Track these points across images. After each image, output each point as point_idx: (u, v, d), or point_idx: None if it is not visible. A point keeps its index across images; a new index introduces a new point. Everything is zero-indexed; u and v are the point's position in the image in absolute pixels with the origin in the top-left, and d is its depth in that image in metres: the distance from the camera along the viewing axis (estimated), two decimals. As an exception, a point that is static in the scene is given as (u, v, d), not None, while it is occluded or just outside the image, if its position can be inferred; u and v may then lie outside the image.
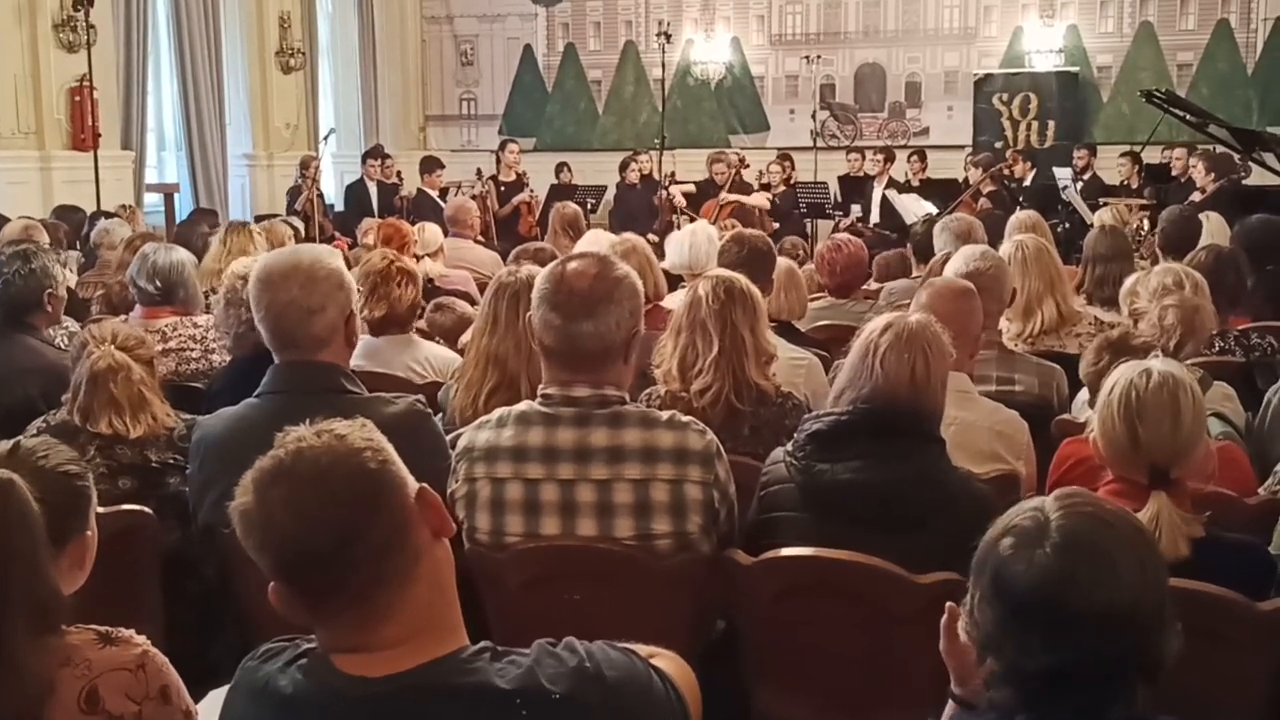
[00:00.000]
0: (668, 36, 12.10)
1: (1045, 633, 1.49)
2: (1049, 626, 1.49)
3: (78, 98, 10.18)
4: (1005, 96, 13.05)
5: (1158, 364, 2.40)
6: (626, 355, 2.49)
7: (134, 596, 2.81)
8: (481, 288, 5.22)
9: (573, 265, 2.48)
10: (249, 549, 1.54)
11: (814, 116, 13.68)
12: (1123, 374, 2.38)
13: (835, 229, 11.97)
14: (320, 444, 1.54)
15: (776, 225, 11.65)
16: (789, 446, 2.60)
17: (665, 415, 2.51)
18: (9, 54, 9.86)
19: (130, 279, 4.56)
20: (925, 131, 13.89)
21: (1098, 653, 1.49)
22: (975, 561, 1.58)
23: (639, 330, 2.51)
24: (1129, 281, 3.87)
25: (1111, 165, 11.58)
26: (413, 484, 1.58)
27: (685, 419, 2.52)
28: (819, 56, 13.83)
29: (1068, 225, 10.21)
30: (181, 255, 4.57)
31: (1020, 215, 6.17)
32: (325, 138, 12.16)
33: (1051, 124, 12.92)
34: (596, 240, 5.88)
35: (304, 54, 13.24)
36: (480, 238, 8.91)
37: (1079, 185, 10.73)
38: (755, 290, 3.30)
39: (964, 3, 13.73)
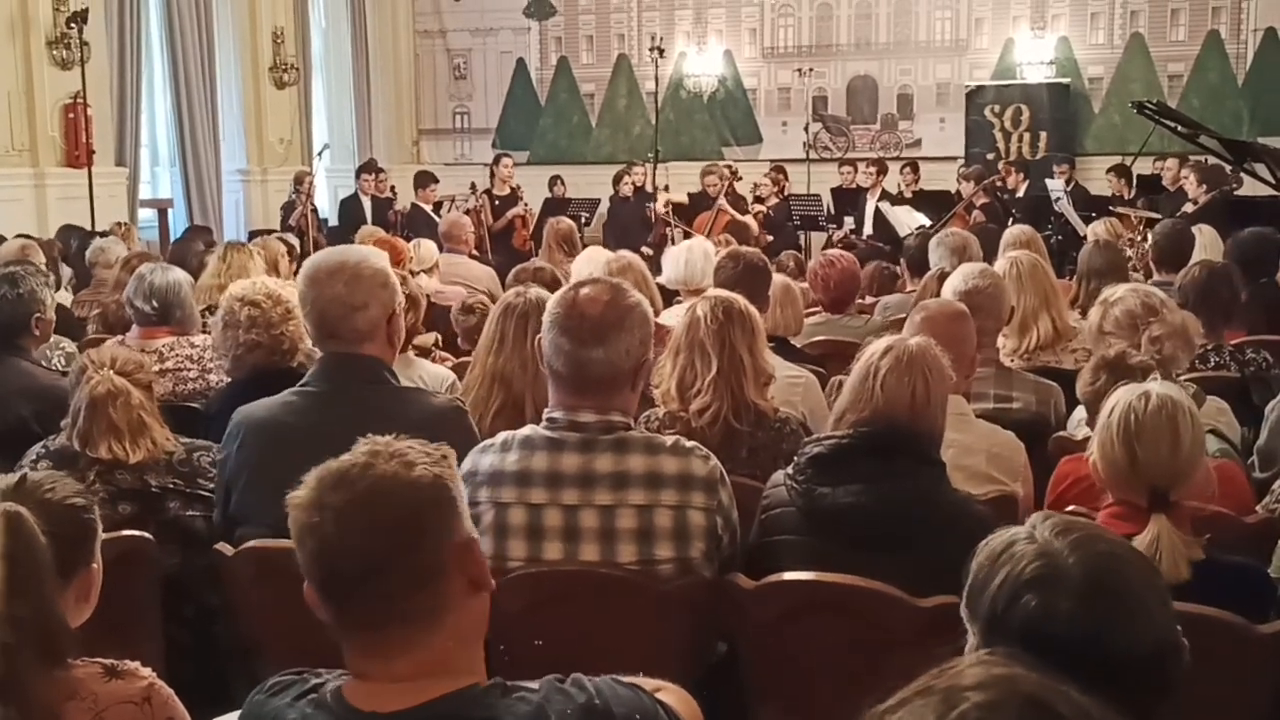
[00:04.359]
0: (661, 52, 12.13)
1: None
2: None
3: (72, 115, 10.15)
4: (997, 108, 13.08)
5: (1156, 387, 2.41)
6: (634, 382, 2.51)
7: (134, 621, 2.81)
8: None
9: (585, 291, 2.49)
10: (293, 535, 1.57)
11: (806, 129, 13.70)
12: (1121, 397, 2.39)
13: (828, 241, 12.02)
14: (388, 470, 1.55)
15: (770, 238, 11.68)
16: (789, 470, 2.61)
17: (669, 441, 2.52)
18: (2, 71, 9.84)
19: (127, 299, 4.56)
20: (917, 143, 13.92)
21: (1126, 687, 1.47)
22: (984, 616, 1.53)
23: (648, 359, 2.53)
24: (1093, 320, 3.87)
25: (1103, 176, 11.62)
26: (462, 533, 1.59)
27: (689, 444, 2.53)
28: (811, 69, 13.86)
29: (1060, 237, 10.26)
30: (178, 275, 4.57)
31: (1014, 230, 6.20)
32: (319, 153, 12.17)
33: (1043, 135, 12.95)
34: (593, 258, 5.90)
35: (297, 69, 13.24)
36: (475, 252, 8.92)
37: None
38: (754, 311, 3.32)
39: (955, 15, 13.77)
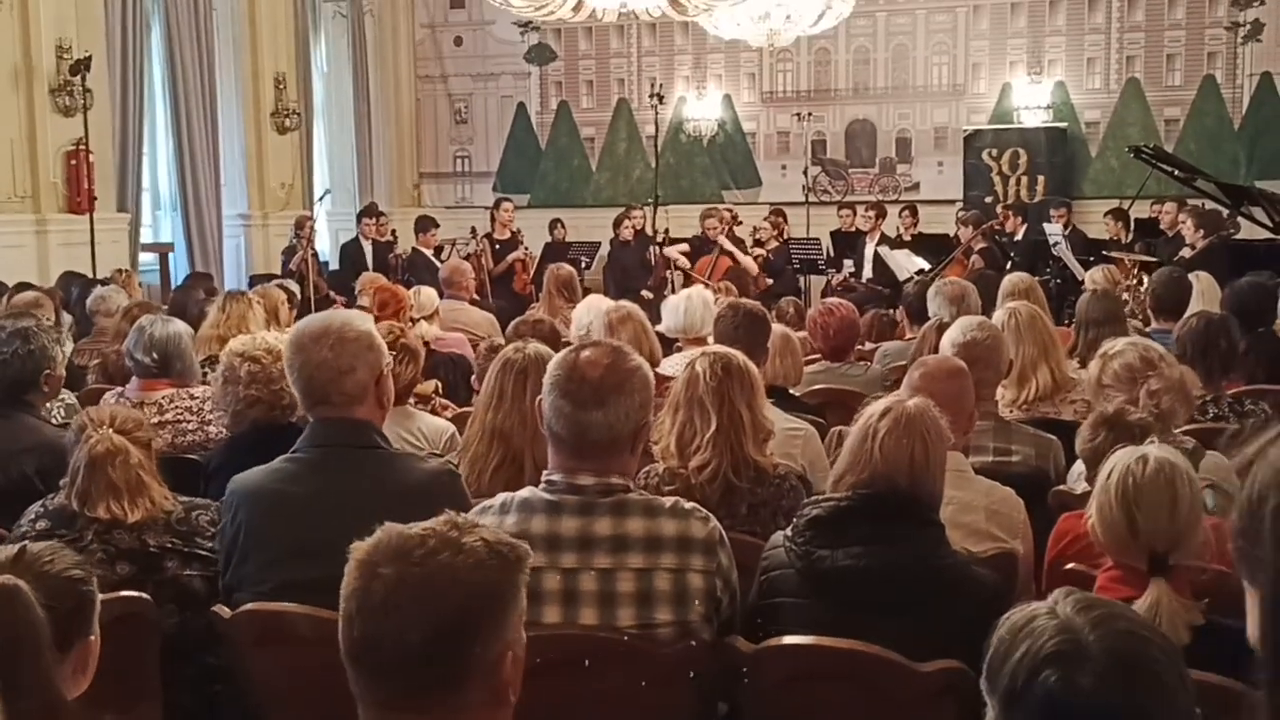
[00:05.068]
0: (660, 98, 12.18)
1: None
2: None
3: (74, 161, 10.20)
4: (995, 152, 13.14)
5: (1154, 450, 2.42)
6: (634, 445, 2.51)
7: (132, 682, 2.81)
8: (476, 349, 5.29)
9: (586, 354, 2.50)
10: (343, 586, 1.58)
11: (805, 172, 13.77)
12: (1119, 460, 2.39)
13: (828, 284, 12.06)
14: (450, 562, 1.55)
15: (770, 281, 11.73)
16: (789, 531, 2.61)
17: (669, 503, 2.52)
18: (5, 119, 9.89)
19: (127, 351, 4.57)
20: (916, 187, 13.97)
21: None
22: (1003, 690, 1.50)
23: (648, 422, 2.53)
24: (1093, 373, 3.89)
25: (1100, 220, 11.67)
26: (501, 645, 1.58)
27: (688, 506, 2.53)
28: (810, 113, 13.93)
29: (1059, 281, 10.30)
30: (178, 327, 4.59)
31: (1012, 279, 6.22)
32: (320, 198, 12.22)
33: (1041, 179, 13.00)
34: (593, 306, 5.93)
35: (299, 114, 13.30)
36: (475, 296, 8.96)
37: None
38: (752, 367, 3.33)
39: (952, 60, 13.86)
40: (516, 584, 1.60)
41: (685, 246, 12.29)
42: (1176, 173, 10.08)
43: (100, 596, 2.58)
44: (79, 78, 9.93)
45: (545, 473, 2.53)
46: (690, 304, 5.71)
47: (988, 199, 12.83)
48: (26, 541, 2.07)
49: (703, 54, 14.46)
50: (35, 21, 9.99)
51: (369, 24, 14.86)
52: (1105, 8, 13.33)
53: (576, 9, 7.86)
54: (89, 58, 9.95)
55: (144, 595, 2.81)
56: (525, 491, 2.55)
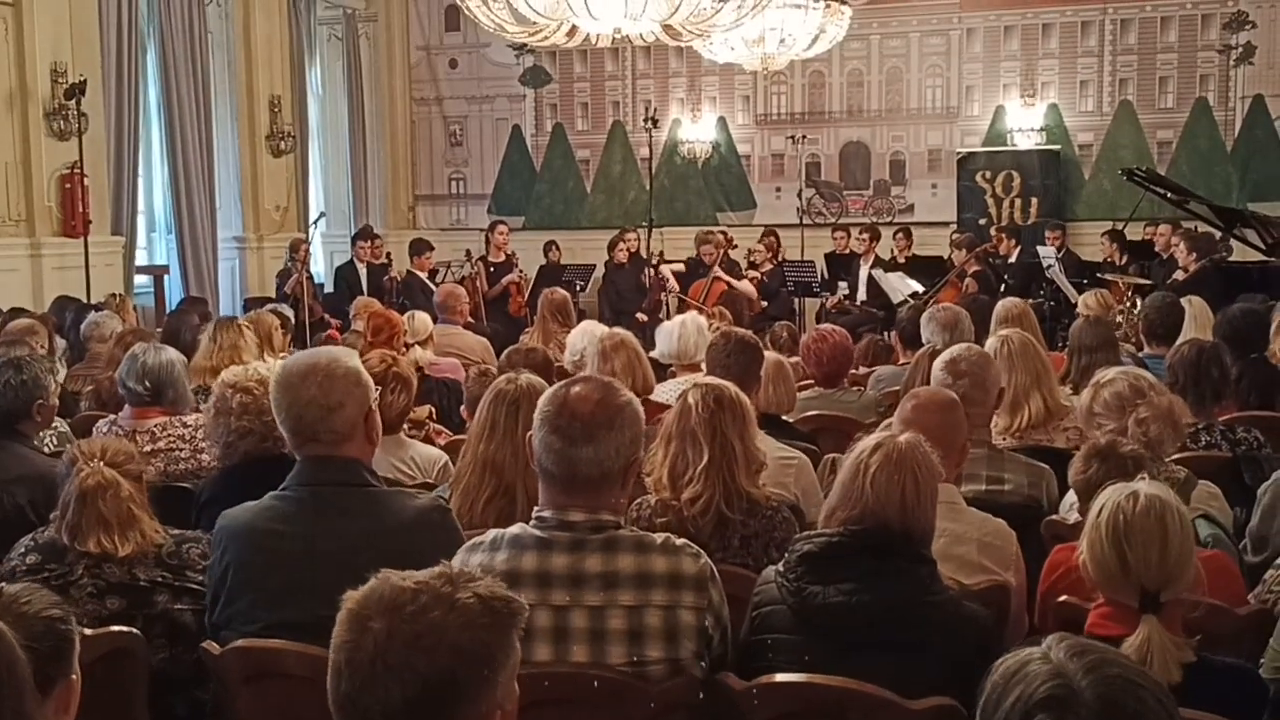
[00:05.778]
0: (654, 122, 12.21)
1: None
2: None
3: (69, 185, 10.18)
4: (988, 174, 13.18)
5: (1144, 486, 2.41)
6: (624, 481, 2.51)
7: (122, 717, 2.79)
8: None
9: (576, 390, 2.49)
10: (333, 637, 1.57)
11: (800, 194, 13.80)
12: (1109, 497, 2.39)
13: (822, 306, 12.08)
14: (443, 620, 1.53)
15: (765, 304, 11.74)
16: (780, 566, 2.60)
17: (659, 539, 2.51)
18: (0, 143, 9.91)
19: (120, 379, 4.56)
20: (910, 209, 14.01)
21: None
22: None
23: (638, 458, 2.53)
24: (1084, 401, 3.90)
25: (1093, 242, 11.70)
26: (490, 703, 1.57)
27: (679, 543, 2.52)
28: (804, 136, 13.98)
29: (1053, 303, 10.32)
30: (171, 355, 4.58)
31: (1005, 304, 6.21)
32: (315, 222, 12.22)
33: (1034, 201, 13.04)
34: (588, 332, 5.94)
35: (294, 136, 13.31)
36: (470, 319, 8.96)
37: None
38: (745, 399, 3.33)
39: (946, 83, 13.91)
40: (509, 642, 1.59)
41: (681, 266, 12.31)
42: (1169, 195, 10.13)
43: (89, 631, 2.58)
44: (74, 101, 9.92)
45: (536, 509, 2.53)
46: (684, 330, 5.72)
47: (982, 221, 12.87)
48: (2, 584, 2.05)
49: (697, 77, 14.51)
50: (30, 45, 9.99)
51: (364, 46, 14.90)
52: (1098, 31, 13.40)
53: (571, 34, 7.86)
54: (84, 81, 9.94)
55: (133, 630, 2.80)
56: (516, 528, 2.54)
